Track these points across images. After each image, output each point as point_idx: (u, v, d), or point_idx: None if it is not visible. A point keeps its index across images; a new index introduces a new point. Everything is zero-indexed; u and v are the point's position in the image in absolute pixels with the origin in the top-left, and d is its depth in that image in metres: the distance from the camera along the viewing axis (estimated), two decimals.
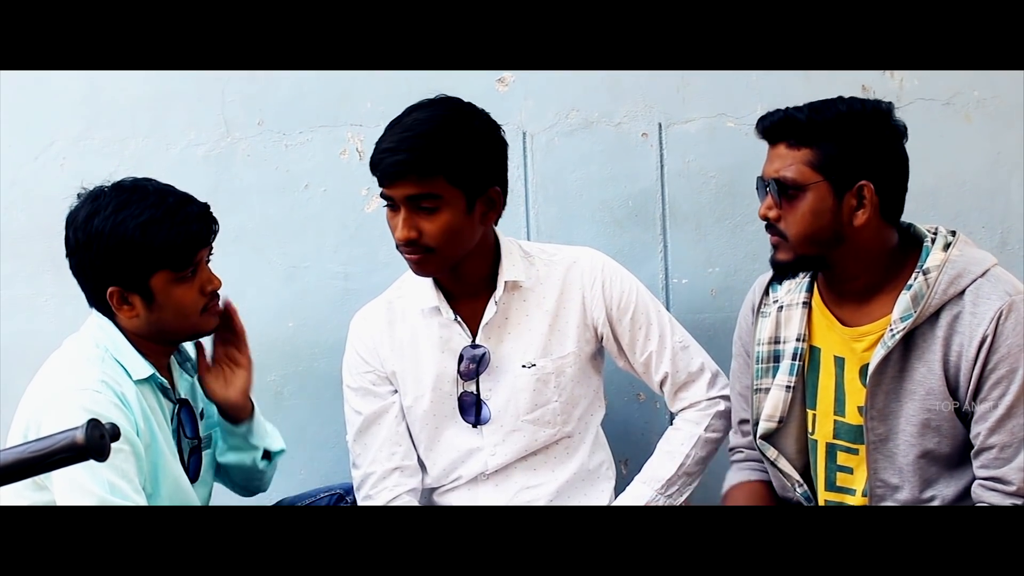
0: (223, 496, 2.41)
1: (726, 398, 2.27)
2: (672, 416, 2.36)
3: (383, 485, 2.26)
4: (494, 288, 2.21)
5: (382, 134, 2.10)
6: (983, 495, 1.90)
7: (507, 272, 2.21)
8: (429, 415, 2.27)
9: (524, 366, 2.23)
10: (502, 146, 2.15)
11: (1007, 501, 1.88)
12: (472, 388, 2.25)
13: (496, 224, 2.22)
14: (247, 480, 2.31)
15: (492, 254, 2.22)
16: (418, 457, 2.31)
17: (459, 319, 2.23)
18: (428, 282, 2.21)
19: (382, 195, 2.09)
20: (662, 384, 2.29)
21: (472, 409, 2.25)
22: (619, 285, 2.26)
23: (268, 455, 2.29)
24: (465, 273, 2.20)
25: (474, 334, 2.23)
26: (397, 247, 2.13)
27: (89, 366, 2.00)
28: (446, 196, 2.05)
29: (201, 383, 2.20)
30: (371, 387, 2.29)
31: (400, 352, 2.27)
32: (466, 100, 2.15)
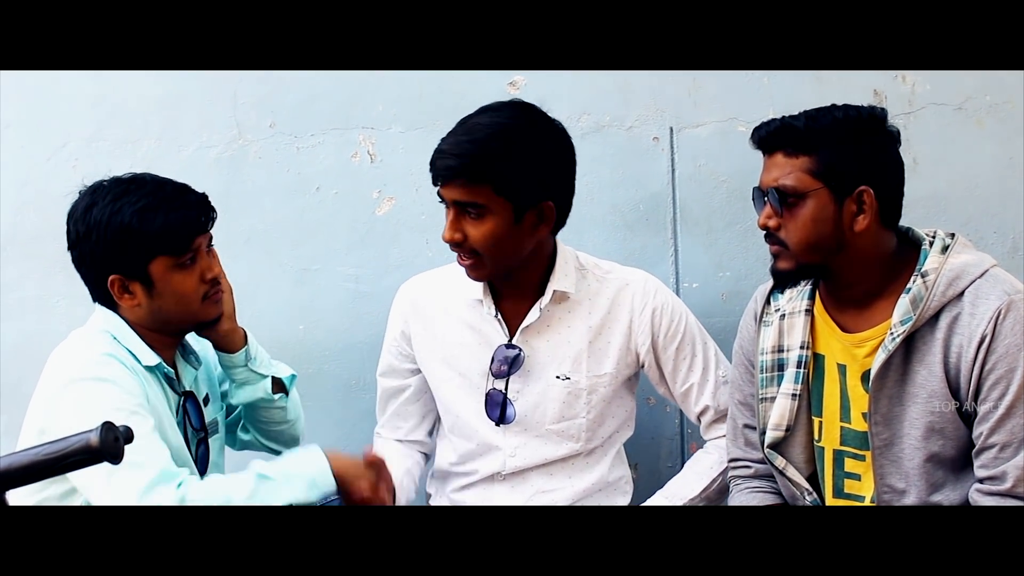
0: None
1: None
2: (703, 441, 2.35)
3: (386, 441, 2.40)
4: (542, 294, 2.20)
5: (451, 129, 2.09)
6: (979, 500, 1.90)
7: (557, 282, 2.20)
8: (454, 401, 2.28)
9: (558, 377, 2.23)
10: (565, 160, 2.13)
11: (1000, 503, 1.87)
12: (501, 386, 2.25)
13: (555, 234, 2.20)
14: (270, 424, 2.29)
15: (547, 262, 2.21)
16: (437, 431, 2.39)
17: (500, 316, 2.23)
18: None
19: (438, 192, 2.10)
20: (700, 415, 2.29)
21: (497, 408, 2.25)
22: (669, 313, 2.24)
23: (282, 388, 2.27)
24: (516, 277, 2.19)
25: (512, 334, 2.23)
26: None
27: (96, 346, 2.01)
28: (491, 205, 2.04)
29: None
30: (394, 361, 2.35)
31: (432, 333, 2.28)
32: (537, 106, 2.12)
